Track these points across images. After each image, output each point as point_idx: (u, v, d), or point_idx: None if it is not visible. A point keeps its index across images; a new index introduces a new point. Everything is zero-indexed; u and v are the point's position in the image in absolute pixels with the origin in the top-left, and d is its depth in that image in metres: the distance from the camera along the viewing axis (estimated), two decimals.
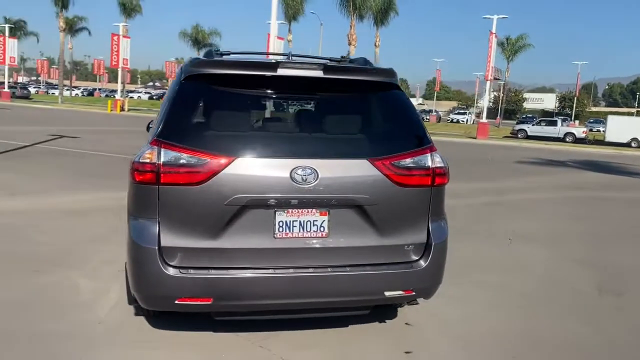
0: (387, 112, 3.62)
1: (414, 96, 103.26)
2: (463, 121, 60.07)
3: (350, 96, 3.55)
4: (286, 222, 3.15)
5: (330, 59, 3.88)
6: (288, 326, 3.70)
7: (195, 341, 3.53)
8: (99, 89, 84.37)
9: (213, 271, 3.08)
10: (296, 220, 3.16)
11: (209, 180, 3.01)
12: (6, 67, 50.41)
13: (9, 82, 52.54)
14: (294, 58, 3.56)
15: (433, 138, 3.53)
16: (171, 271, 3.02)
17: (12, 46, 49.76)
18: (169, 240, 3.04)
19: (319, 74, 3.29)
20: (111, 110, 41.82)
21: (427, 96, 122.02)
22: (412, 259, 3.37)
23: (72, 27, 71.31)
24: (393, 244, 3.33)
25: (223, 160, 3.03)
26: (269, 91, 3.46)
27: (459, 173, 11.24)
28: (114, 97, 49.15)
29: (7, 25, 52.61)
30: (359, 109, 3.61)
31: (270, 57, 3.32)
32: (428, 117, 57.05)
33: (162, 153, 3.00)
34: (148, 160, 3.00)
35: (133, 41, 44.66)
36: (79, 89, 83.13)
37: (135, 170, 3.04)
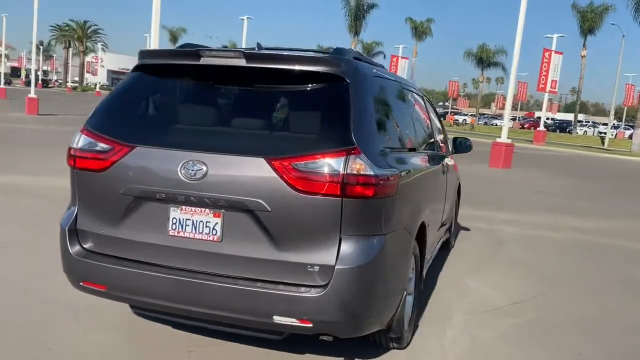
0: (316, 106, 3.03)
1: None
2: None
3: (278, 87, 3.10)
4: (179, 219, 2.93)
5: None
6: (236, 338, 3.43)
7: (132, 327, 3.56)
8: None
9: (109, 259, 3.06)
10: (189, 219, 2.91)
11: (110, 168, 3.01)
12: None
13: None
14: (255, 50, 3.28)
15: None
16: (75, 253, 3.11)
17: None
18: (83, 224, 3.15)
19: (241, 62, 2.98)
20: None
21: None
22: (314, 283, 2.76)
23: (370, 52, 77.99)
24: (292, 260, 2.78)
25: (123, 149, 2.99)
26: (194, 81, 3.26)
27: None
28: None
29: None
30: (283, 101, 3.12)
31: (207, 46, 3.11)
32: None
33: (80, 139, 3.13)
34: (72, 145, 3.16)
35: (422, 62, 46.30)
36: None
37: (67, 154, 3.24)
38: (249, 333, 3.06)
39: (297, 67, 2.96)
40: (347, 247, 2.75)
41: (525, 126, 64.96)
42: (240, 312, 2.84)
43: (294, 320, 2.75)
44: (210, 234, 2.88)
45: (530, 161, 21.51)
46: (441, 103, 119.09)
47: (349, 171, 2.70)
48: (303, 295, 2.72)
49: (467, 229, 7.87)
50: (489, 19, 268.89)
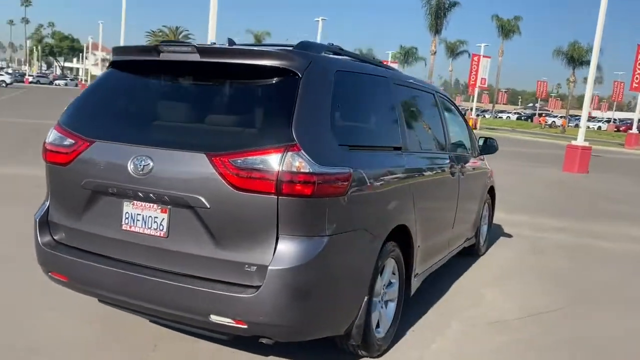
0: (263, 101, 2.94)
1: None
2: None
3: (233, 82, 3.03)
4: (131, 214, 2.95)
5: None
6: (202, 336, 3.41)
7: (109, 320, 3.63)
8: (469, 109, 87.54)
9: (71, 251, 3.14)
10: (140, 214, 2.93)
11: (72, 162, 3.09)
12: None
13: None
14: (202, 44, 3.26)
15: None
16: (44, 244, 3.22)
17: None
18: (54, 216, 3.26)
19: (195, 57, 2.96)
20: None
21: None
22: (250, 283, 2.68)
23: (454, 51, 76.08)
24: (231, 259, 2.72)
25: (83, 144, 3.06)
26: (154, 76, 3.27)
27: None
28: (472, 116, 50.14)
29: (390, 52, 59.82)
30: (232, 96, 3.05)
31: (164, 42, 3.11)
32: None
33: (51, 134, 3.24)
34: (45, 140, 3.28)
35: (509, 61, 44.66)
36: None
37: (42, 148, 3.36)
38: (197, 331, 3.03)
39: (249, 62, 2.90)
40: (283, 247, 2.65)
41: (621, 129, 60.66)
42: (180, 309, 2.82)
43: (229, 320, 2.70)
44: (158, 229, 2.88)
45: (612, 166, 20.06)
46: (531, 104, 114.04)
47: (285, 168, 2.60)
48: (237, 295, 2.66)
49: (509, 236, 7.44)
50: (580, 16, 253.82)
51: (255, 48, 3.10)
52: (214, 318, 2.72)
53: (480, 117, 62.38)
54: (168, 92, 3.28)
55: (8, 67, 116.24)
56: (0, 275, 4.31)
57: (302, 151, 2.64)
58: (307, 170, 2.63)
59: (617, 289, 5.45)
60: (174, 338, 3.48)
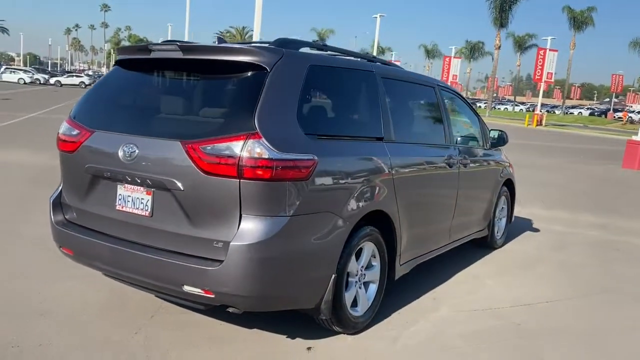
0: (233, 94, 3.23)
1: None
2: None
3: (210, 77, 3.35)
4: (124, 196, 3.33)
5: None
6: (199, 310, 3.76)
7: (120, 291, 4.06)
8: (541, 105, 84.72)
9: (77, 228, 3.57)
10: (130, 196, 3.30)
11: (77, 150, 3.52)
12: (448, 84, 56.78)
13: None
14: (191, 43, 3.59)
15: None
16: (56, 222, 3.67)
17: (456, 65, 55.84)
18: (66, 198, 3.71)
19: (179, 55, 3.31)
20: (528, 124, 41.68)
21: None
22: (217, 258, 2.99)
23: (522, 45, 73.62)
24: (203, 236, 3.04)
25: (86, 133, 3.48)
26: (146, 72, 3.64)
27: None
28: (543, 112, 48.50)
29: (453, 47, 58.81)
30: (209, 89, 3.36)
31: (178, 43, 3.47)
32: None
33: (62, 125, 3.69)
34: (58, 131, 3.73)
35: (580, 54, 42.99)
36: (525, 104, 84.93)
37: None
38: (182, 302, 3.38)
39: (224, 58, 3.21)
40: (245, 225, 2.94)
41: None
42: (159, 280, 3.17)
43: (199, 290, 3.02)
44: (144, 209, 3.25)
45: None
46: (607, 100, 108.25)
47: (246, 155, 2.89)
48: (205, 268, 2.97)
49: (536, 230, 7.39)
50: None
51: (231, 45, 3.41)
52: (186, 288, 3.05)
53: (549, 113, 60.19)
54: (155, 86, 3.65)
55: (89, 69, 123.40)
56: (33, 252, 4.85)
57: (262, 139, 2.91)
58: (266, 157, 2.90)
59: (631, 284, 5.35)
60: (170, 311, 3.85)
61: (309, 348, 3.45)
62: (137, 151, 3.19)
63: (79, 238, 3.50)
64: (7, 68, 58.02)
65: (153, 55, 3.42)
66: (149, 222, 3.23)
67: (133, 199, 3.29)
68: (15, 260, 4.69)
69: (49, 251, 4.48)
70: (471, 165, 5.20)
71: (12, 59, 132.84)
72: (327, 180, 3.25)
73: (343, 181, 3.39)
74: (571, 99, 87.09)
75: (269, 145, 2.92)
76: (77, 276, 4.28)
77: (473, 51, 78.70)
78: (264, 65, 3.12)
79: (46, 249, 4.67)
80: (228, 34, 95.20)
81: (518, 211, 8.46)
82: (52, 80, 53.76)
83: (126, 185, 3.31)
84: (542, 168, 14.87)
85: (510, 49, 70.06)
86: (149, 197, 3.22)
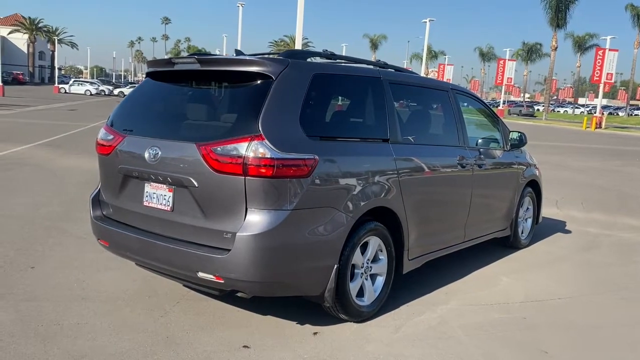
0: (241, 100, 3.61)
1: None
2: None
3: (224, 86, 3.76)
4: (150, 193, 3.75)
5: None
6: (222, 298, 4.14)
7: (153, 279, 4.49)
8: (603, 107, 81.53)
9: (111, 222, 4.02)
10: (155, 193, 3.72)
11: (112, 153, 3.98)
12: (503, 87, 55.93)
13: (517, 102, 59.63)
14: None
15: None
16: (94, 217, 4.14)
17: (511, 68, 54.79)
18: (104, 196, 4.18)
19: (197, 67, 3.71)
20: (586, 127, 40.30)
21: None
22: (226, 247, 3.34)
23: (582, 45, 71.22)
24: (215, 228, 3.41)
25: (119, 138, 3.93)
26: (170, 83, 4.06)
27: None
28: (604, 113, 46.77)
29: (508, 50, 57.77)
30: (222, 97, 3.75)
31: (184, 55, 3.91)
32: None
33: (100, 131, 4.16)
34: (97, 137, 4.21)
35: None
36: (587, 106, 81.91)
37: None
38: (201, 289, 3.76)
39: (236, 68, 3.59)
40: (250, 217, 3.29)
41: None
42: (179, 267, 3.57)
43: (211, 276, 3.38)
44: (166, 205, 3.65)
45: None
46: None
47: (250, 154, 3.24)
48: (215, 256, 3.34)
49: (567, 232, 7.38)
50: None
51: (243, 57, 3.77)
52: (200, 274, 3.42)
53: (611, 115, 57.84)
54: (177, 94, 4.07)
55: None
56: (80, 245, 5.38)
57: (265, 140, 3.26)
58: (268, 156, 3.24)
59: None
60: (194, 298, 4.24)
61: (315, 333, 3.75)
62: (160, 153, 3.60)
63: (113, 231, 3.95)
64: (75, 80, 61.44)
65: (176, 67, 3.84)
66: (170, 216, 3.63)
67: (157, 196, 3.70)
68: (65, 253, 5.23)
69: (93, 245, 4.99)
70: (488, 166, 5.36)
71: (81, 72, 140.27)
72: (328, 178, 3.56)
73: (344, 179, 3.68)
74: (638, 99, 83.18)
75: (271, 146, 3.26)
76: (115, 267, 4.76)
77: (530, 53, 76.77)
78: (269, 74, 3.47)
79: (90, 243, 5.19)
80: (282, 42, 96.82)
81: (554, 213, 8.47)
82: (116, 91, 56.53)
83: (152, 183, 3.72)
84: (590, 170, 14.55)
85: (570, 50, 68.14)
86: (171, 194, 3.62)
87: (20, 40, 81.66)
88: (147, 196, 3.77)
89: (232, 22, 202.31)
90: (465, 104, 5.58)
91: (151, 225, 3.76)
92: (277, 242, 3.31)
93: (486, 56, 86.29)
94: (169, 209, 3.64)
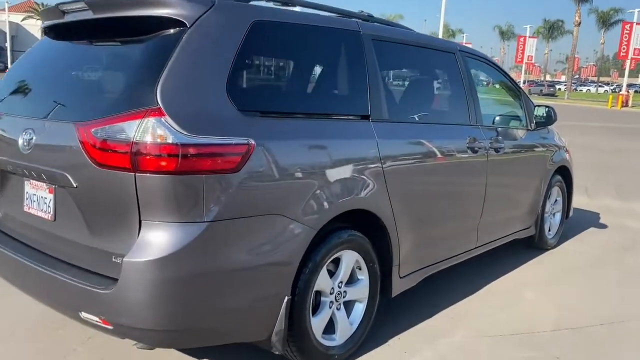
0: (142, 59, 2.44)
1: None
2: None
3: (123, 40, 2.61)
4: (30, 194, 2.67)
5: None
6: None
7: None
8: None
9: None
10: (35, 194, 2.64)
11: None
12: (523, 66, 54.03)
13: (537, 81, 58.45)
14: None
15: None
16: None
17: (532, 45, 52.68)
18: None
19: (90, 14, 2.58)
20: (612, 106, 38.41)
21: None
22: (113, 276, 2.25)
23: (606, 22, 68.66)
24: (102, 248, 2.32)
25: None
26: (59, 41, 2.94)
27: None
28: (630, 92, 44.72)
29: (528, 27, 55.61)
30: (119, 56, 2.61)
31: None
32: None
33: None
34: None
35: None
36: (610, 85, 79.30)
37: None
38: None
39: (137, 13, 2.44)
40: (145, 235, 2.19)
41: None
42: (58, 303, 2.50)
43: (97, 319, 2.30)
44: (47, 211, 2.57)
45: None
46: None
47: (140, 138, 2.13)
48: (97, 290, 2.25)
49: (603, 226, 6.20)
50: None
51: None
52: (84, 315, 2.34)
53: (637, 93, 55.75)
54: (64, 57, 2.93)
55: None
56: None
57: (166, 117, 2.14)
58: (170, 141, 2.13)
59: None
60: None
61: None
62: (34, 138, 2.51)
63: None
64: None
65: (66, 18, 2.73)
66: (51, 228, 2.56)
67: (37, 198, 2.63)
68: None
69: None
70: (507, 149, 4.17)
71: None
72: (272, 172, 2.43)
73: (298, 173, 2.55)
74: None
75: (174, 125, 2.14)
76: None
77: (552, 30, 74.25)
78: (182, 20, 2.34)
79: None
80: None
81: (585, 203, 7.28)
82: None
83: (32, 181, 2.64)
84: (621, 152, 13.19)
85: (594, 28, 65.54)
86: (51, 196, 2.54)
87: (34, 26, 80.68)
88: (27, 199, 2.69)
89: None
90: (479, 70, 4.38)
91: (31, 239, 2.70)
92: (186, 270, 2.20)
93: (505, 35, 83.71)
94: (50, 218, 2.56)
